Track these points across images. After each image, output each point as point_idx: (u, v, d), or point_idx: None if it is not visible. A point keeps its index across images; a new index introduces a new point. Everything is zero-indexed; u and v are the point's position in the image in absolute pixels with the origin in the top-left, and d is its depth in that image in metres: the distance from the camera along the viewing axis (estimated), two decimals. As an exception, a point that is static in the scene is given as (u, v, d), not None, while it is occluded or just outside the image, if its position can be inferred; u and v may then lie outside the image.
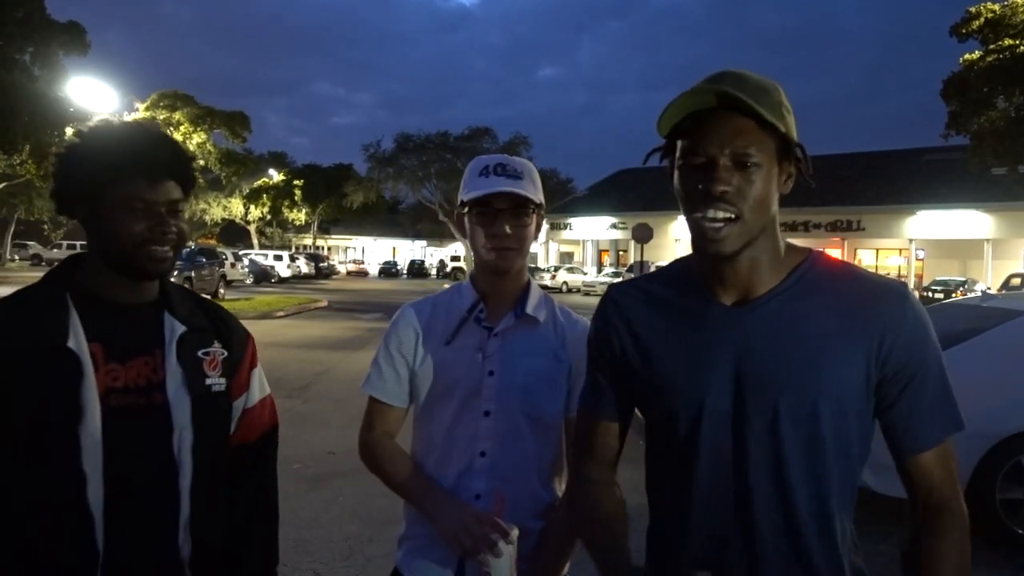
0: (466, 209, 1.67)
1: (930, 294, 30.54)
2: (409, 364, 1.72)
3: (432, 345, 1.71)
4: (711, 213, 1.12)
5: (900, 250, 41.53)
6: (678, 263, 1.34)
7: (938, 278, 33.60)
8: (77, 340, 1.32)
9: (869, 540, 4.56)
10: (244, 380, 1.59)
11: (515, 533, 1.50)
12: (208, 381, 1.47)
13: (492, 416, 1.66)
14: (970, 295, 20.87)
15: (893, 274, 37.99)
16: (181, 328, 1.45)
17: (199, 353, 1.47)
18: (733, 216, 1.12)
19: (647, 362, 1.28)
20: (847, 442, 1.19)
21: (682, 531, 1.26)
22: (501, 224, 1.63)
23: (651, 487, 1.35)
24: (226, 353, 1.53)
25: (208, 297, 1.68)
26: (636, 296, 1.33)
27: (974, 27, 25.20)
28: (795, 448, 1.18)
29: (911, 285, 35.77)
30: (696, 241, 1.16)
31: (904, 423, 1.20)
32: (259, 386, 1.64)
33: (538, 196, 1.68)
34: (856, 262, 42.80)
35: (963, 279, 33.29)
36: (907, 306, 1.20)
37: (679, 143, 1.18)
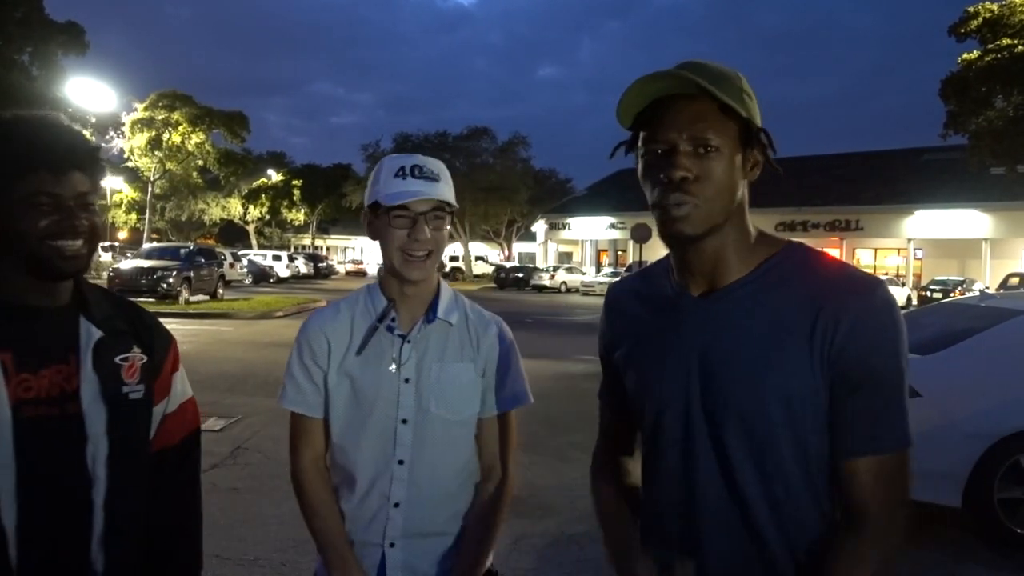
0: (378, 210, 1.60)
1: (928, 294, 30.55)
2: (324, 372, 1.67)
3: (343, 354, 1.66)
4: (673, 199, 1.11)
5: (899, 250, 41.56)
6: (669, 257, 1.32)
7: (936, 278, 33.61)
8: None
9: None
10: (166, 385, 1.53)
11: None
12: (125, 389, 1.40)
13: (409, 424, 1.64)
14: (968, 295, 20.90)
15: (892, 274, 38.09)
16: (98, 333, 1.37)
17: (116, 359, 1.39)
18: (696, 200, 1.11)
19: (629, 357, 1.32)
20: (802, 437, 1.15)
21: (652, 521, 1.30)
22: (421, 228, 1.57)
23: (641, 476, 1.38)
24: (146, 358, 1.46)
25: (128, 298, 1.60)
26: (628, 293, 1.38)
27: (972, 27, 25.25)
28: (740, 444, 1.16)
29: (909, 284, 35.81)
30: (659, 227, 1.16)
31: (844, 424, 1.14)
32: (181, 390, 1.57)
33: (453, 198, 1.63)
34: (855, 262, 42.96)
35: (961, 279, 33.29)
36: (875, 300, 1.13)
37: (641, 134, 1.18)
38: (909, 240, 39.73)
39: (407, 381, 1.63)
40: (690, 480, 1.20)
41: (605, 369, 1.44)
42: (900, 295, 31.76)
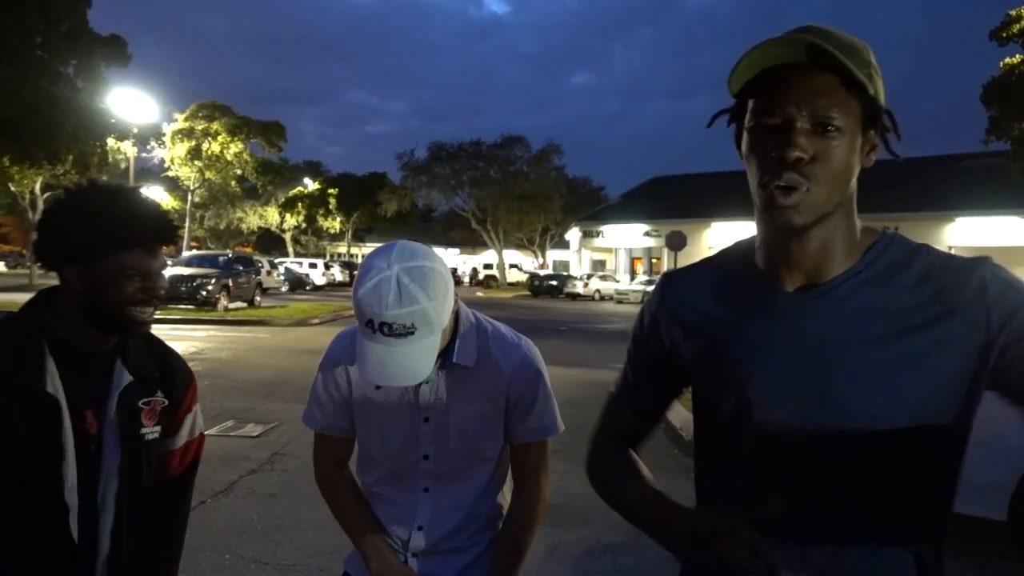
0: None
1: (971, 302, 29.95)
2: (346, 399, 1.70)
3: (363, 386, 1.66)
4: (783, 181, 1.00)
5: (939, 257, 40.80)
6: (740, 245, 1.22)
7: (979, 286, 32.93)
8: (54, 385, 1.40)
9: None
10: (177, 424, 1.65)
11: None
12: (143, 431, 1.53)
13: (431, 459, 1.67)
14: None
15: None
16: (128, 378, 1.50)
17: (140, 403, 1.52)
18: (807, 187, 1.00)
19: (700, 357, 1.18)
20: (927, 449, 1.06)
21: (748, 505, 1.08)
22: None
23: (705, 473, 1.25)
24: (166, 402, 1.59)
25: (161, 340, 1.67)
26: (692, 283, 1.22)
27: (1014, 31, 24.75)
28: (856, 450, 1.05)
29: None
30: (764, 212, 1.05)
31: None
32: (190, 429, 1.69)
33: (440, 326, 1.46)
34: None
35: (1005, 287, 32.60)
36: (998, 271, 1.05)
37: (750, 103, 1.06)
38: (949, 247, 38.95)
39: (426, 420, 1.65)
40: (789, 482, 1.07)
41: (638, 367, 1.29)
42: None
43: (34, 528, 1.40)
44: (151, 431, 1.54)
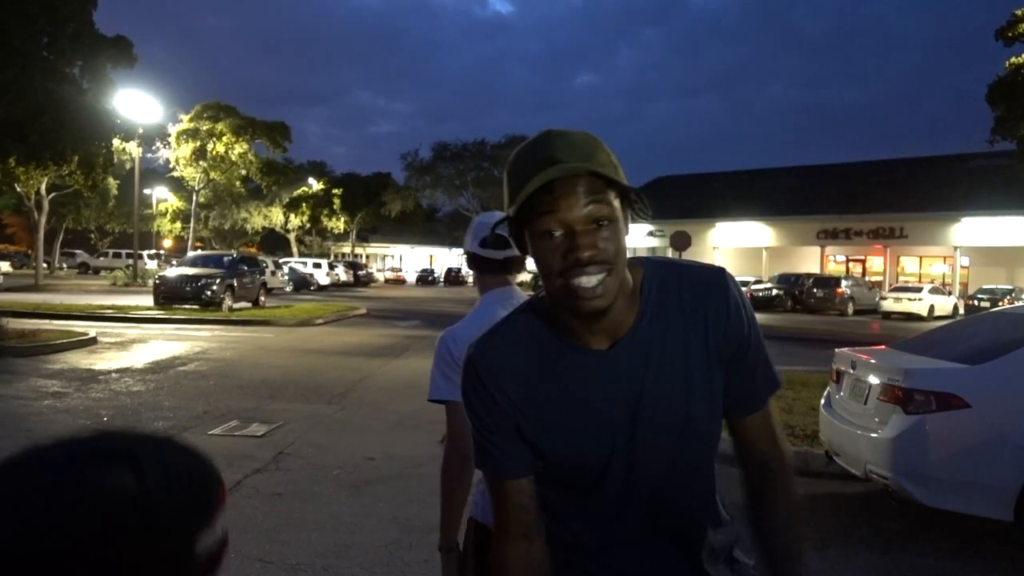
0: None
1: (976, 302, 29.86)
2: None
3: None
4: (584, 280, 1.16)
5: (944, 258, 40.70)
6: (529, 308, 1.34)
7: (984, 286, 32.82)
8: None
9: (916, 552, 4.47)
10: None
11: None
12: None
13: None
14: (1017, 304, 20.38)
15: (937, 282, 37.29)
16: None
17: None
18: (604, 274, 1.16)
19: (538, 424, 1.28)
20: (716, 433, 1.33)
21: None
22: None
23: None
24: None
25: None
26: (501, 358, 1.30)
27: (1021, 30, 24.66)
28: (674, 465, 1.29)
29: (956, 293, 35.00)
30: (569, 303, 1.19)
31: (736, 394, 1.32)
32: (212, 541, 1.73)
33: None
34: (899, 270, 42.24)
35: (1010, 287, 32.47)
36: (729, 293, 1.29)
37: (529, 214, 1.18)
38: (955, 248, 38.89)
39: None
40: (626, 518, 1.32)
41: (488, 434, 1.32)
42: (946, 304, 31.09)
43: None
44: None
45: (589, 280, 1.15)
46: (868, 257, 43.56)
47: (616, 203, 1.19)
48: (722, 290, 1.29)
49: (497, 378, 1.29)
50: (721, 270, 1.33)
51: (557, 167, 1.14)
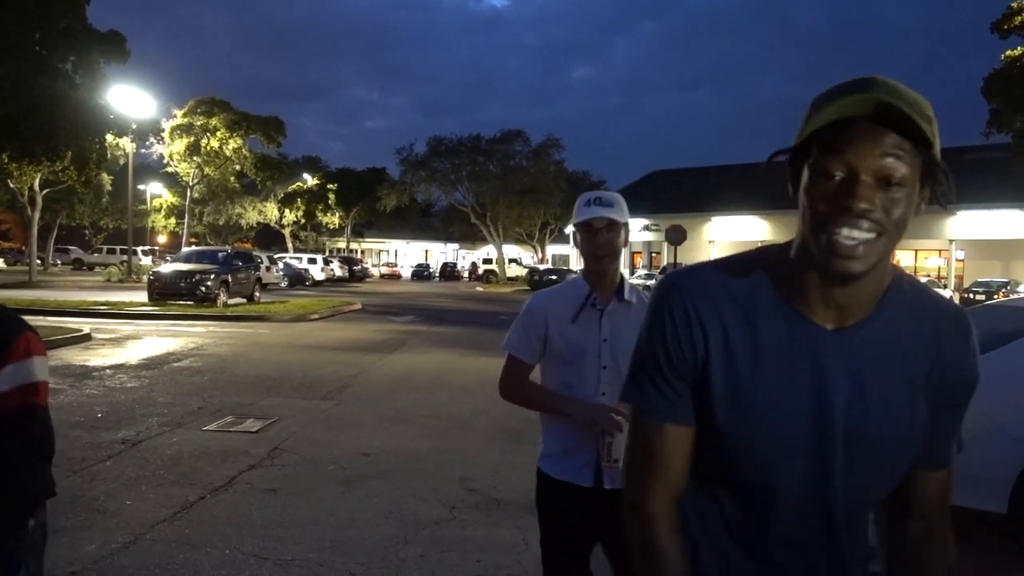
0: (576, 229, 2.46)
1: (971, 296, 29.93)
2: (540, 336, 2.46)
3: (560, 323, 2.43)
4: (847, 231, 1.03)
5: (940, 251, 40.78)
6: (754, 258, 1.21)
7: (979, 279, 32.90)
8: None
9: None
10: None
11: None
12: None
13: (608, 370, 2.39)
14: (1013, 296, 20.44)
15: (933, 275, 37.37)
16: None
17: None
18: (873, 236, 1.04)
19: (735, 380, 1.15)
20: (905, 460, 1.20)
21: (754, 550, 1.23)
22: (600, 237, 2.39)
23: (703, 514, 1.26)
24: None
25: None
26: (720, 291, 1.18)
27: (1016, 22, 24.70)
28: (866, 471, 1.18)
29: (951, 286, 35.09)
30: (822, 256, 1.06)
31: (926, 443, 1.20)
32: (8, 381, 1.86)
33: (624, 218, 2.42)
34: (895, 263, 42.18)
35: (1005, 280, 32.55)
36: (970, 340, 1.19)
37: (815, 150, 1.07)
38: (951, 241, 38.97)
39: (605, 340, 2.40)
40: (825, 516, 1.19)
41: (667, 373, 1.20)
42: (941, 297, 31.10)
43: None
44: None
45: (852, 234, 1.03)
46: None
47: (917, 172, 1.06)
48: (964, 333, 1.18)
49: (709, 315, 1.16)
50: (965, 312, 1.22)
51: (867, 95, 1.01)
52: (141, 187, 50.13)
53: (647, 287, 2.26)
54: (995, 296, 27.57)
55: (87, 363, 10.76)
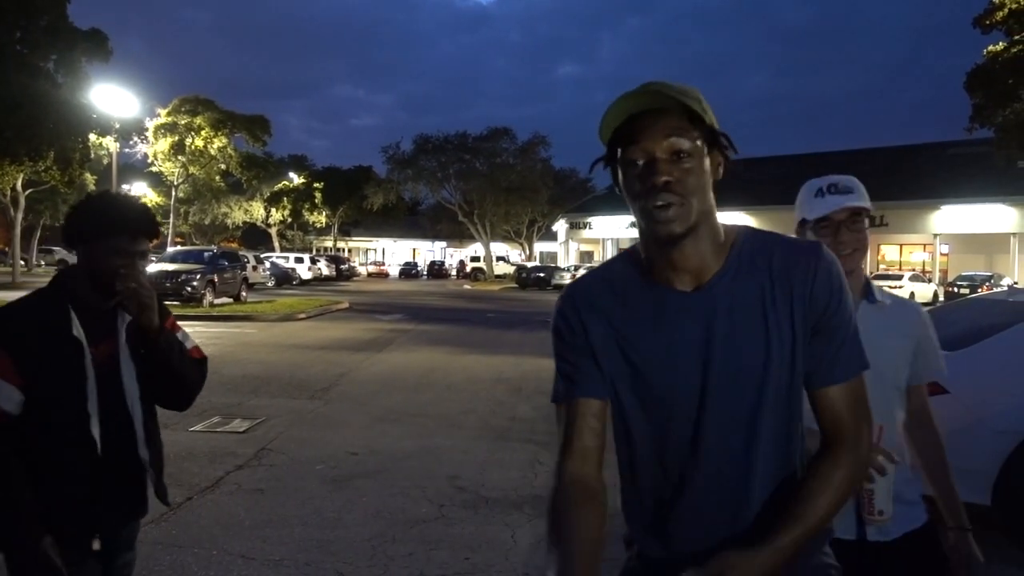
0: (809, 225, 2.05)
1: (955, 289, 30.17)
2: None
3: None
4: (658, 200, 1.24)
5: (924, 245, 41.07)
6: (626, 254, 1.43)
7: (963, 273, 33.18)
8: (78, 331, 2.00)
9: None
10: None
11: (894, 456, 1.87)
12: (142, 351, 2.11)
13: None
14: (996, 290, 20.60)
15: (918, 269, 37.65)
16: (128, 318, 2.09)
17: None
18: (679, 199, 1.24)
19: (625, 350, 1.36)
20: (796, 399, 1.34)
21: (662, 510, 1.38)
22: (843, 233, 1.99)
23: (625, 468, 1.44)
24: None
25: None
26: (599, 287, 1.41)
27: (998, 18, 24.86)
28: (759, 420, 1.31)
29: (936, 280, 35.34)
30: (647, 227, 1.29)
31: (817, 362, 1.32)
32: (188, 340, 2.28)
33: (868, 202, 2.04)
34: (879, 258, 42.55)
35: (989, 274, 32.84)
36: (820, 262, 1.32)
37: (619, 149, 1.30)
38: (935, 235, 39.24)
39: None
40: (696, 457, 1.33)
41: (572, 357, 1.38)
42: (926, 291, 31.38)
43: (65, 431, 1.99)
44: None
45: (660, 202, 1.24)
46: (849, 245, 43.76)
47: (700, 143, 1.27)
48: (813, 258, 1.32)
49: (588, 306, 1.39)
50: (819, 244, 1.37)
51: (643, 91, 1.25)
52: (125, 187, 49.60)
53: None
54: (979, 289, 27.81)
55: (72, 364, 10.66)
